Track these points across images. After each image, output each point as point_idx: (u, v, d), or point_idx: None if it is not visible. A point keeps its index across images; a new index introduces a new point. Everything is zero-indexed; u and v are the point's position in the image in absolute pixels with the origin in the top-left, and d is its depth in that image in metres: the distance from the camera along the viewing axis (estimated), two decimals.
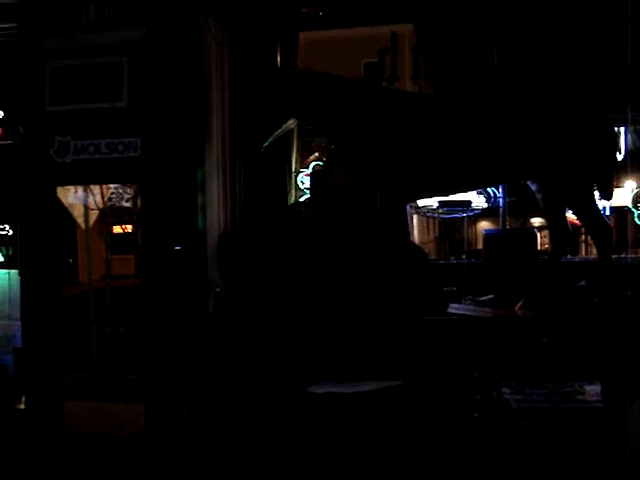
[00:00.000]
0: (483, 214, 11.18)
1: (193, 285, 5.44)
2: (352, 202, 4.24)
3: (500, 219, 8.52)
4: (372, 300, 4.72)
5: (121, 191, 9.57)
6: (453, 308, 5.24)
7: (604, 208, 10.34)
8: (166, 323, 5.37)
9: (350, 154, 4.60)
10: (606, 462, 4.22)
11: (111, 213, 10.05)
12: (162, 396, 5.44)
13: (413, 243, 5.56)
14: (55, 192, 6.14)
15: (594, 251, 6.19)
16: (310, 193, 6.50)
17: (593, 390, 4.54)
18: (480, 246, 6.94)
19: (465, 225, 10.22)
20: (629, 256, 10.58)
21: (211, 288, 5.49)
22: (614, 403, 4.37)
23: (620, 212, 15.32)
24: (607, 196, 5.74)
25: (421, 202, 9.82)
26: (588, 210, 5.37)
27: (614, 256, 6.71)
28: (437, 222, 22.18)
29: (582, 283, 5.68)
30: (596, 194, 5.73)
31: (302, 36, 7.88)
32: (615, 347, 4.55)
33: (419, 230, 21.00)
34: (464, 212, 9.75)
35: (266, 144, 5.67)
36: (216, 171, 5.77)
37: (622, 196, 13.57)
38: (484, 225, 15.10)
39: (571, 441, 4.33)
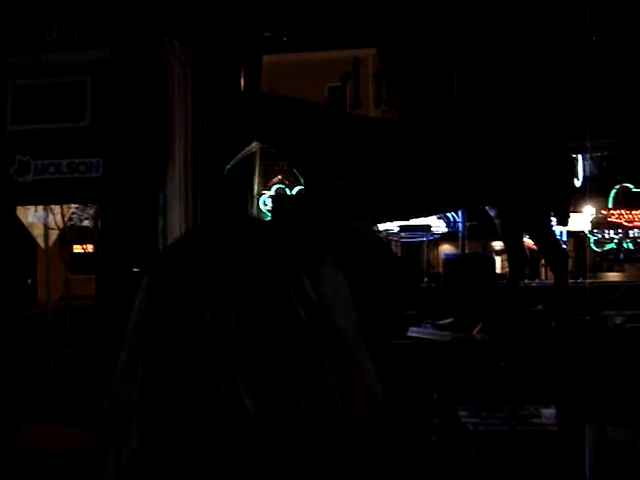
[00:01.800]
0: (444, 238, 11.32)
1: None
2: (343, 225, 4.24)
3: (460, 243, 8.62)
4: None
5: (81, 212, 9.52)
6: (413, 332, 5.26)
7: (561, 233, 10.52)
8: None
9: (337, 176, 4.61)
10: None
11: (71, 233, 9.99)
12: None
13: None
14: (15, 211, 6.08)
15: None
16: (272, 215, 6.53)
17: (549, 413, 4.58)
18: (441, 269, 7.01)
19: (426, 249, 10.33)
20: (587, 281, 10.78)
21: None
22: (569, 426, 4.42)
23: (578, 237, 15.62)
24: (563, 222, 5.86)
25: (382, 226, 9.90)
26: (545, 235, 5.46)
27: (571, 281, 6.84)
28: (400, 246, 22.35)
29: (539, 307, 5.76)
30: (553, 219, 5.84)
31: (266, 59, 7.93)
32: (571, 371, 4.61)
33: None
34: (424, 236, 9.87)
35: (228, 167, 5.67)
36: (178, 193, 5.76)
37: (580, 222, 13.85)
38: (446, 249, 15.25)
39: (527, 464, 4.36)
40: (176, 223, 5.69)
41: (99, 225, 6.71)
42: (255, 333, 0.83)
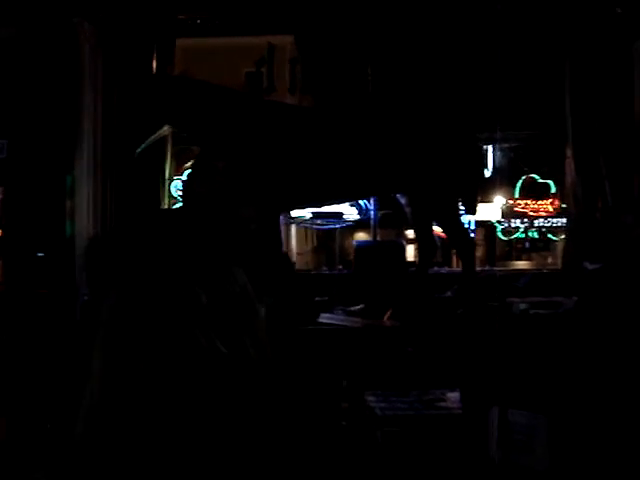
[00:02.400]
0: (359, 226, 11.39)
1: (59, 292, 5.28)
2: (219, 209, 4.19)
3: (372, 231, 8.70)
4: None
5: None
6: (324, 318, 5.29)
7: (469, 222, 10.76)
8: (30, 331, 5.18)
9: (219, 158, 4.56)
10: (466, 466, 4.37)
11: None
12: (24, 407, 5.24)
13: (283, 254, 5.58)
14: None
15: None
16: (182, 201, 6.45)
17: (454, 397, 4.68)
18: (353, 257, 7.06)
19: (337, 236, 10.40)
20: (494, 268, 11.07)
21: (79, 296, 5.33)
22: (473, 409, 4.53)
23: (487, 226, 16.01)
24: (471, 211, 5.98)
25: (294, 213, 9.90)
26: (453, 224, 5.56)
27: (479, 268, 7.01)
28: (315, 233, 22.42)
29: (448, 294, 5.87)
30: (462, 208, 5.97)
31: (182, 43, 7.83)
32: (476, 355, 4.72)
33: (297, 240, 21.16)
34: (337, 223, 9.93)
35: (139, 150, 5.56)
36: (86, 176, 5.64)
37: (489, 211, 14.19)
38: (361, 236, 15.39)
39: (433, 447, 4.45)
40: (84, 206, 5.57)
41: (4, 209, 6.49)
42: (217, 304, 1.49)
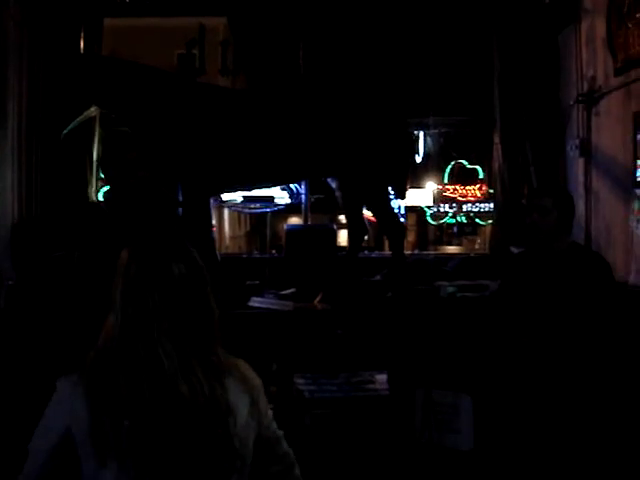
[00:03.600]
0: (291, 210, 11.40)
1: None
2: (136, 198, 4.12)
3: (303, 215, 8.73)
4: None
5: None
6: (255, 302, 5.29)
7: (399, 207, 10.87)
8: None
9: (131, 149, 4.45)
10: (394, 448, 4.44)
11: None
12: None
13: (210, 237, 5.55)
14: None
15: None
16: (111, 184, 6.35)
17: (382, 379, 4.75)
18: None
19: (269, 221, 10.40)
20: (423, 252, 11.23)
21: (3, 281, 5.21)
22: (400, 390, 4.60)
23: (419, 211, 16.21)
24: (401, 196, 6.05)
25: (225, 196, 9.85)
26: (382, 208, 5.62)
27: (408, 252, 7.10)
28: (249, 217, 22.36)
29: (377, 277, 5.93)
30: (392, 193, 6.03)
31: (110, 22, 7.66)
32: (403, 338, 4.80)
33: (230, 224, 21.08)
34: (268, 207, 9.93)
35: (65, 131, 5.45)
36: (11, 159, 5.49)
37: (420, 196, 14.37)
38: (293, 221, 15.40)
39: (361, 428, 4.51)
40: (8, 189, 5.42)
41: None
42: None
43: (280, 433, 1.97)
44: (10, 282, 5.19)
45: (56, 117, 5.77)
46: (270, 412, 1.93)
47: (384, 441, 4.49)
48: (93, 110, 5.65)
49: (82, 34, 6.56)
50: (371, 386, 4.70)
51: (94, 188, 6.63)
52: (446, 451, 4.42)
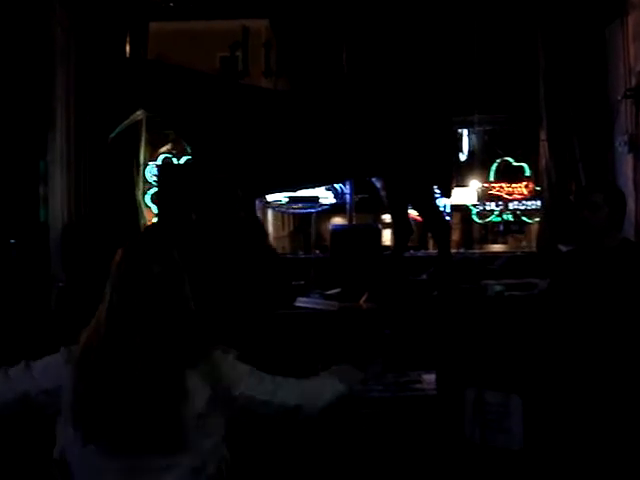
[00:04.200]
0: (335, 210, 11.39)
1: (33, 279, 5.24)
2: (224, 215, 4.20)
3: (347, 215, 8.72)
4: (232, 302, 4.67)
5: None
6: (301, 302, 5.31)
7: (444, 206, 10.80)
8: (3, 319, 5.13)
9: (220, 169, 4.50)
10: (442, 448, 4.41)
11: None
12: None
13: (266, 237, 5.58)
14: None
15: None
16: (158, 186, 6.40)
17: (430, 379, 4.71)
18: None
19: (313, 221, 10.39)
20: (469, 251, 11.14)
21: (54, 282, 5.30)
22: (449, 390, 4.56)
23: (463, 210, 16.08)
24: (446, 194, 6.00)
25: (270, 197, 9.88)
26: (428, 207, 5.59)
27: (454, 251, 7.05)
28: (292, 217, 22.41)
29: (423, 277, 5.90)
30: (437, 192, 5.99)
31: (154, 27, 7.74)
32: (451, 337, 4.76)
33: (274, 225, 21.16)
34: (312, 208, 9.93)
35: (113, 135, 5.52)
36: (60, 162, 5.58)
37: (465, 195, 14.26)
38: (337, 221, 15.37)
39: (409, 429, 4.48)
40: (57, 191, 5.52)
41: None
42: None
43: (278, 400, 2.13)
44: (61, 284, 5.28)
45: (103, 121, 5.85)
46: (255, 393, 2.10)
47: (432, 441, 4.45)
48: (139, 113, 5.72)
49: (128, 39, 6.64)
50: (418, 386, 4.67)
51: (141, 190, 6.71)
52: (496, 451, 4.37)
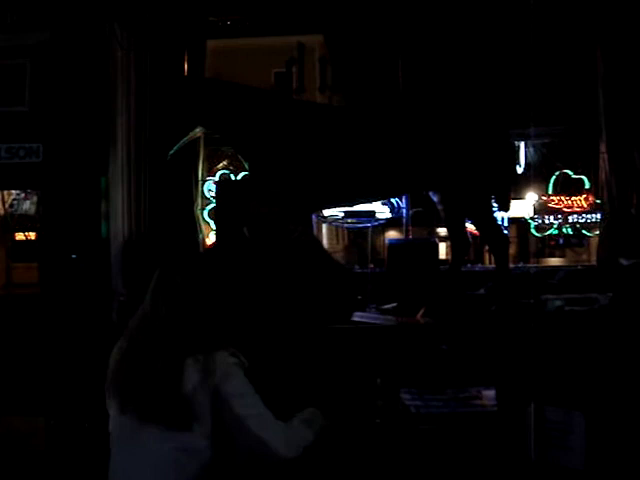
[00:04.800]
0: (391, 224, 11.39)
1: (95, 294, 5.35)
2: (274, 232, 4.23)
3: (404, 229, 8.70)
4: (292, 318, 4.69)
5: (23, 197, 9.34)
6: (357, 316, 5.30)
7: (502, 219, 10.68)
8: (67, 333, 5.25)
9: (276, 185, 4.55)
10: (503, 465, 4.35)
11: (13, 220, 9.80)
12: (63, 408, 5.31)
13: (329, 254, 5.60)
14: None
15: None
16: (216, 202, 6.47)
17: (490, 395, 4.65)
18: (386, 255, 7.07)
19: (370, 235, 10.38)
20: (528, 265, 10.99)
21: (115, 297, 5.40)
22: (509, 407, 4.50)
23: (520, 223, 15.88)
24: (504, 207, 5.94)
25: (327, 212, 9.91)
26: (486, 221, 5.53)
27: (512, 265, 6.97)
28: (346, 231, 22.44)
29: (481, 291, 5.84)
30: (494, 205, 5.93)
31: (211, 44, 7.87)
32: (511, 353, 4.70)
33: (329, 239, 21.21)
34: (369, 222, 9.93)
35: (172, 152, 5.61)
36: (121, 178, 5.70)
37: (521, 208, 14.08)
38: (392, 235, 15.36)
39: (469, 445, 4.43)
40: (119, 208, 5.63)
41: (41, 212, 6.57)
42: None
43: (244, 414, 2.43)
44: (122, 298, 5.37)
45: (162, 138, 5.95)
46: (235, 398, 2.42)
47: (492, 458, 4.40)
48: (198, 131, 5.80)
49: (186, 57, 6.75)
50: (478, 402, 4.61)
51: (199, 206, 6.81)
52: (557, 469, 4.29)
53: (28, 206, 9.71)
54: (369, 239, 10.27)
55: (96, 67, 5.63)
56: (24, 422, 5.67)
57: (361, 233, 16.68)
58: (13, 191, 8.97)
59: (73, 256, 5.38)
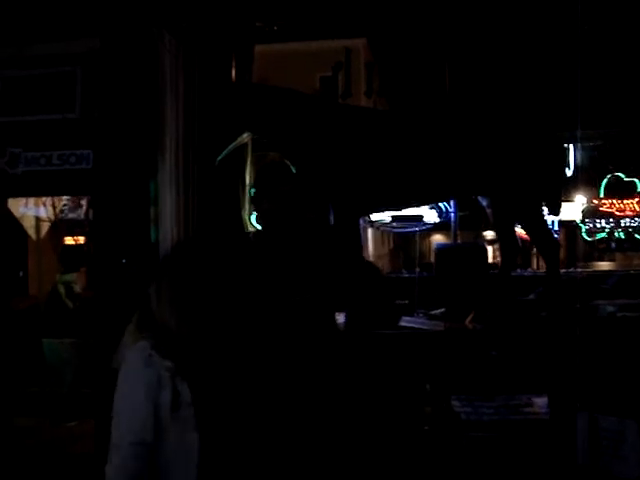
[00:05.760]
0: (437, 228, 11.31)
1: (144, 299, 5.39)
2: (287, 228, 4.20)
3: (452, 233, 8.63)
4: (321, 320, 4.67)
5: (72, 203, 9.49)
6: (405, 321, 5.28)
7: (552, 222, 10.54)
8: (117, 337, 5.29)
9: (284, 182, 4.51)
10: (554, 473, 4.29)
11: (63, 225, 9.96)
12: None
13: (364, 258, 5.57)
14: (6, 203, 6.05)
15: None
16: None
17: (541, 402, 4.60)
18: (433, 259, 7.02)
19: (418, 239, 10.33)
20: (578, 270, 10.82)
21: None
22: (561, 415, 4.44)
23: (569, 226, 15.65)
24: (555, 211, 5.86)
25: (374, 216, 9.88)
26: (536, 225, 5.46)
27: (563, 270, 6.86)
28: (392, 236, 22.37)
29: (531, 296, 5.77)
30: (545, 209, 5.85)
31: (257, 49, 7.90)
32: (562, 360, 4.63)
33: (374, 243, 21.17)
34: (416, 226, 9.89)
35: (220, 157, 5.65)
36: (169, 184, 5.73)
37: (571, 211, 13.87)
38: (438, 239, 15.26)
39: (520, 453, 4.38)
40: (167, 213, 5.66)
41: (90, 217, 6.67)
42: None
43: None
44: None
45: (211, 144, 5.98)
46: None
47: (544, 466, 4.34)
48: (246, 136, 5.83)
49: (233, 62, 6.78)
50: (529, 409, 4.57)
51: (246, 211, 6.82)
52: (610, 479, 4.21)
53: (78, 211, 9.85)
54: (417, 244, 10.23)
55: (144, 73, 5.68)
56: (75, 425, 5.75)
57: (406, 237, 16.61)
58: (63, 197, 9.07)
59: (123, 260, 5.43)
